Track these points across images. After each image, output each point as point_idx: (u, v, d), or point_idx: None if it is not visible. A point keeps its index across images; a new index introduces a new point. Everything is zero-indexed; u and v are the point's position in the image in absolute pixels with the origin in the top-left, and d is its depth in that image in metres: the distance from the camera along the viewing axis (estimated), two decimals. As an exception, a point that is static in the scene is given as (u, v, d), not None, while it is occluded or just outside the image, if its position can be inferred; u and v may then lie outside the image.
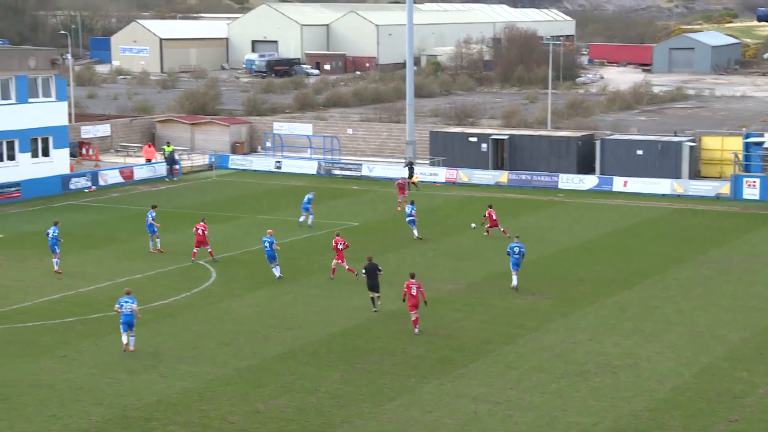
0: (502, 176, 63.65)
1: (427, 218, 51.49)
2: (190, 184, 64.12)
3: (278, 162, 69.42)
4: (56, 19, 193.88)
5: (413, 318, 32.11)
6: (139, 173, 64.86)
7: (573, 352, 30.46)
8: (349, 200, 58.23)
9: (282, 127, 77.74)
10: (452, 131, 70.58)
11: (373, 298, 34.75)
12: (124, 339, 30.18)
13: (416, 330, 32.08)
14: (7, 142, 60.80)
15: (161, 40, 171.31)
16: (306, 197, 49.11)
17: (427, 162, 68.75)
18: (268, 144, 75.75)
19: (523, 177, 63.20)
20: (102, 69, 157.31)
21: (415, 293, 31.78)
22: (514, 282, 37.61)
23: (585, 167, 65.14)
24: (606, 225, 50.77)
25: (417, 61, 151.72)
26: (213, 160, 70.09)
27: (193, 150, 75.50)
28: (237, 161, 70.75)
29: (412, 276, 32.38)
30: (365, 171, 66.88)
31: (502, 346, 30.98)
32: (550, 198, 59.09)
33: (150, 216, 43.83)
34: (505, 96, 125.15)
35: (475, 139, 67.94)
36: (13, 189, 57.45)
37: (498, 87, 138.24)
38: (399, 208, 53.58)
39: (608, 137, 66.08)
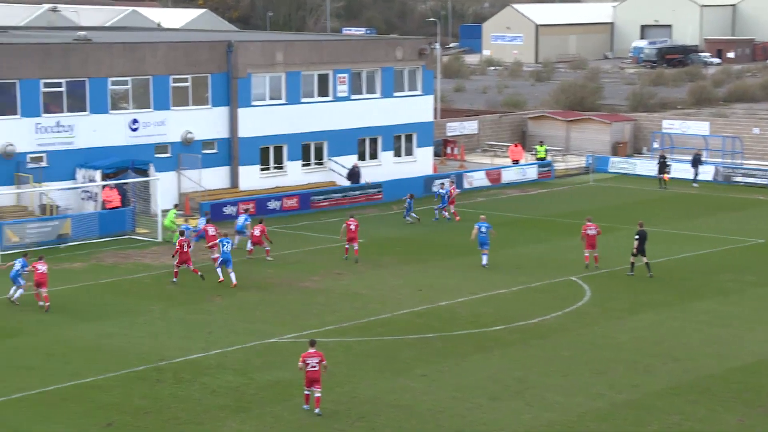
0: None
1: None
2: (564, 189, 64.34)
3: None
4: (426, 6, 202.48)
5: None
6: (508, 176, 65.95)
7: None
8: (752, 213, 55.86)
9: (673, 125, 76.30)
10: None
11: (647, 264, 40.89)
12: (228, 275, 39.57)
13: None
14: (371, 139, 64.03)
15: (537, 26, 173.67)
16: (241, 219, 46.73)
17: None
18: (656, 145, 74.49)
19: None
20: (471, 59, 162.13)
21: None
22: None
23: None
24: None
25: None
26: (590, 162, 69.93)
27: (568, 151, 75.76)
28: (618, 164, 70.13)
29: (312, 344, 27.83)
30: (773, 178, 63.88)
31: None
32: None
33: (19, 263, 36.99)
34: None
35: None
36: (375, 190, 59.92)
37: None
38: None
39: None
